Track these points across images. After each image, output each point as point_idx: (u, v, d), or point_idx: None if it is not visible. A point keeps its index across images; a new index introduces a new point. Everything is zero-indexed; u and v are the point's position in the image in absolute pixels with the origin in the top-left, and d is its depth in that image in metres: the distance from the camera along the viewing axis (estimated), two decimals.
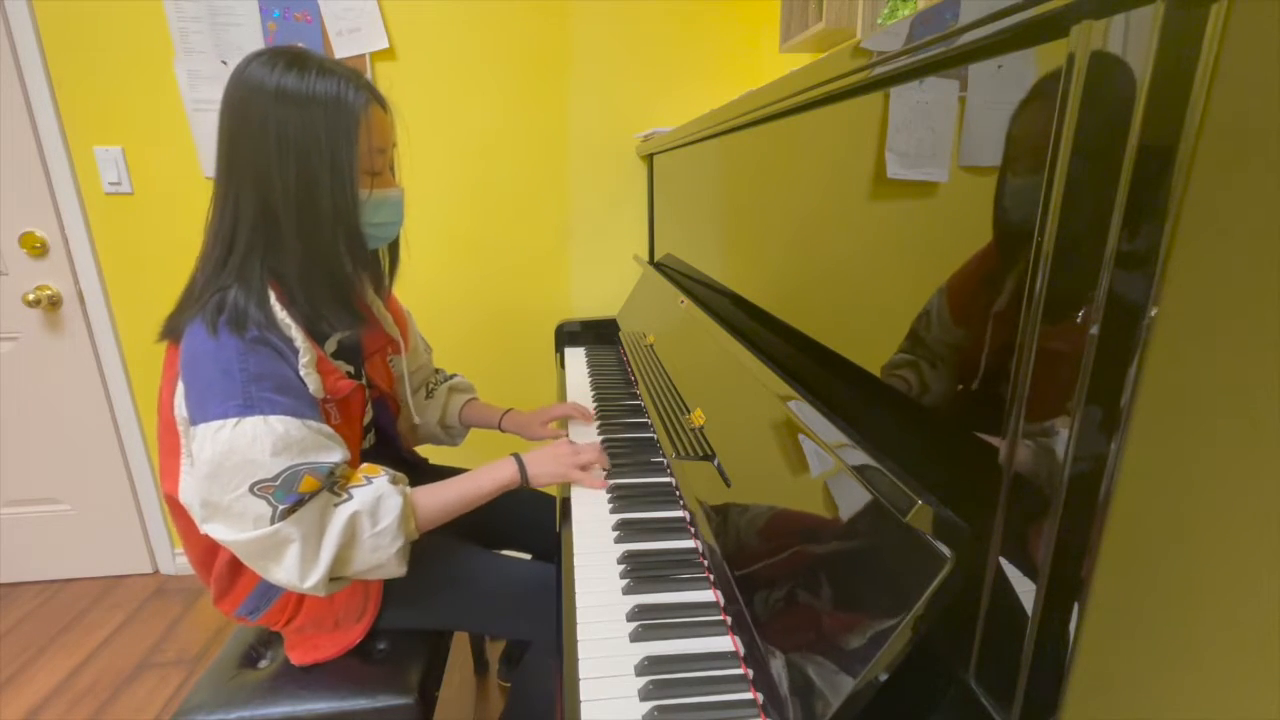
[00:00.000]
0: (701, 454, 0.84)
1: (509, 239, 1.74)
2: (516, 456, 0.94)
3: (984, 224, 0.42)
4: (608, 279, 1.80)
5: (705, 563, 0.76)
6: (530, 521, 1.18)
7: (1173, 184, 0.29)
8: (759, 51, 1.67)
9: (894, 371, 0.54)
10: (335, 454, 0.78)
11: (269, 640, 0.99)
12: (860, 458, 0.53)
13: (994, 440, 0.41)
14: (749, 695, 0.58)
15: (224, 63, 1.54)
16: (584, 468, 0.94)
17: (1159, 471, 0.34)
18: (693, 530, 0.82)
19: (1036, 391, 0.38)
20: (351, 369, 0.94)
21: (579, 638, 0.65)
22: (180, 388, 0.77)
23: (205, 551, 0.87)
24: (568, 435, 1.13)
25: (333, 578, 0.79)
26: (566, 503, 0.91)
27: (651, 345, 1.30)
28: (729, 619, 0.67)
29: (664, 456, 1.00)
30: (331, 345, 0.90)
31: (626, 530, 0.83)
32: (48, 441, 1.81)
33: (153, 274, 1.69)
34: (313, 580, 0.77)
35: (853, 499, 0.53)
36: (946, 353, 0.47)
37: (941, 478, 0.47)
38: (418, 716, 0.89)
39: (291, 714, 0.86)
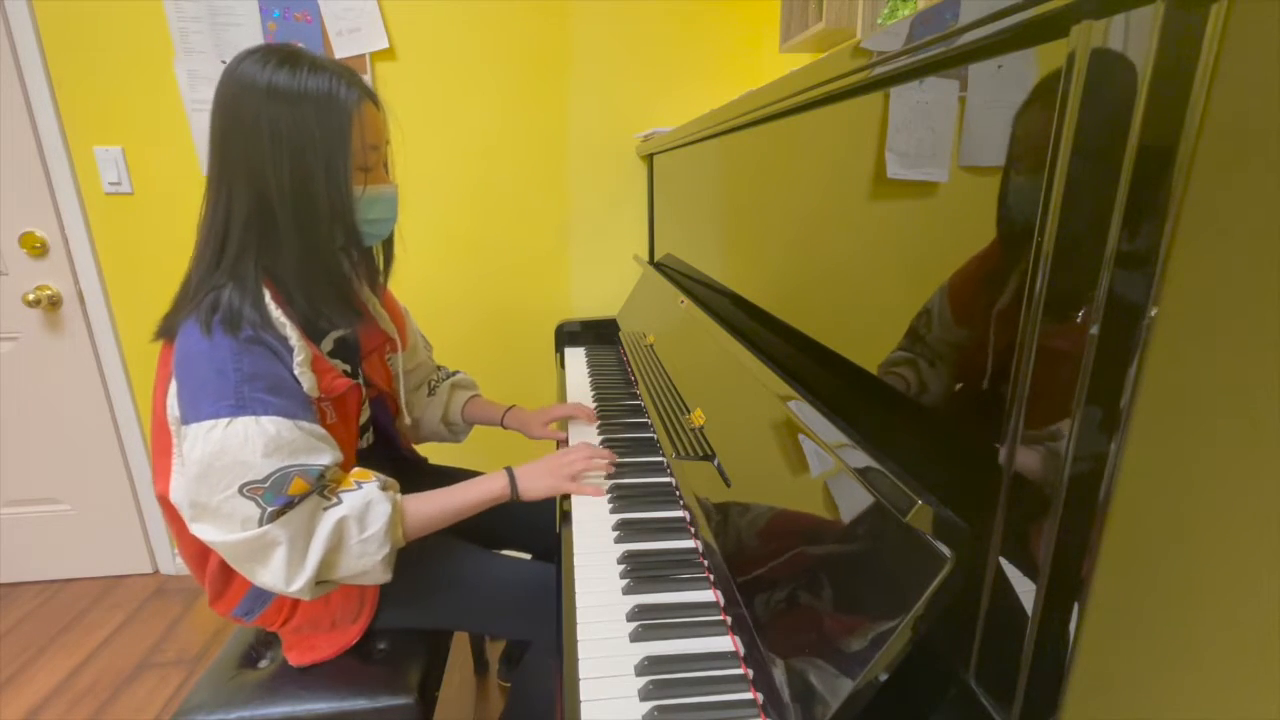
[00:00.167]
0: (701, 454, 0.84)
1: (509, 239, 1.74)
2: (509, 470, 0.93)
3: (984, 224, 0.42)
4: (608, 279, 1.80)
5: (705, 563, 0.75)
6: (530, 521, 1.18)
7: (1173, 184, 0.29)
8: (759, 51, 1.67)
9: (893, 371, 0.54)
10: (325, 456, 0.78)
11: (269, 640, 0.99)
12: (860, 458, 0.53)
13: (994, 440, 0.41)
14: (749, 695, 0.57)
15: (224, 63, 1.53)
16: (575, 477, 0.93)
17: (1159, 471, 0.34)
18: (693, 530, 0.82)
19: (1036, 391, 0.38)
20: (348, 368, 0.94)
21: (579, 638, 0.65)
22: (173, 387, 0.77)
23: (199, 552, 0.87)
24: (568, 435, 1.13)
25: (319, 581, 0.79)
26: (566, 502, 0.91)
27: (651, 345, 1.30)
28: (729, 619, 0.67)
29: (664, 456, 1.00)
30: (328, 344, 0.90)
31: (626, 530, 0.83)
32: (48, 441, 1.81)
33: (152, 274, 1.69)
34: (299, 584, 0.77)
35: (853, 499, 0.53)
36: (946, 353, 0.47)
37: (941, 478, 0.47)
38: (418, 717, 0.89)
39: (291, 714, 0.86)
